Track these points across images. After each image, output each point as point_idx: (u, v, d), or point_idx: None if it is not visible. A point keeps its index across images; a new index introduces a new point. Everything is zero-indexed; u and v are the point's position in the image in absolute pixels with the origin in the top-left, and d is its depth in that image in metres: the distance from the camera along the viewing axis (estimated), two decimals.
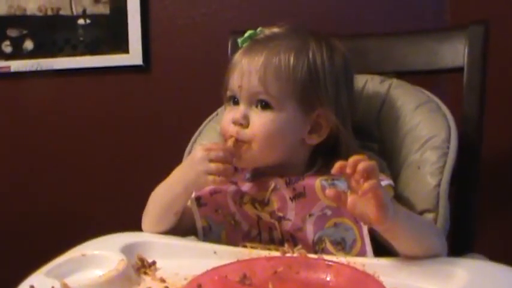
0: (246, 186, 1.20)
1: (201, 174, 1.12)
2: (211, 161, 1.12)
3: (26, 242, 2.26)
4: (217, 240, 1.20)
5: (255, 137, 1.14)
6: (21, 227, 2.28)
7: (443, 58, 1.39)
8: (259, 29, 1.22)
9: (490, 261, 1.07)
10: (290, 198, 1.15)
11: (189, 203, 1.22)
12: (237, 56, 1.20)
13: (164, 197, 1.21)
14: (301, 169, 1.19)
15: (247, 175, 1.23)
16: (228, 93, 1.20)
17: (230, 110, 1.19)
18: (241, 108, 1.16)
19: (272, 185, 1.17)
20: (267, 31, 1.22)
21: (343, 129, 1.17)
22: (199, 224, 1.23)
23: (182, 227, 1.23)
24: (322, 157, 1.20)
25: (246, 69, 1.15)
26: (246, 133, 1.14)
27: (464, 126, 1.32)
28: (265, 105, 1.14)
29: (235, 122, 1.15)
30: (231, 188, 1.20)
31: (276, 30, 1.21)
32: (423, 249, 1.02)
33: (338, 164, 0.93)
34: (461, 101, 1.35)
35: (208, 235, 1.22)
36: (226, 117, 1.18)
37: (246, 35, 1.22)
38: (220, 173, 1.11)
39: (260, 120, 1.14)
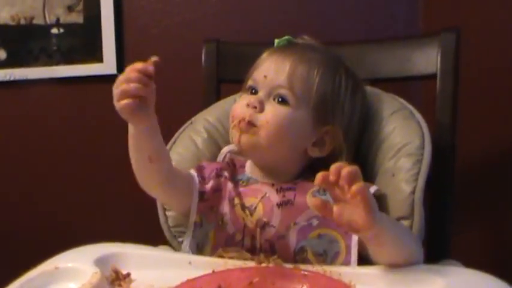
0: (239, 190, 1.21)
1: (116, 105, 1.05)
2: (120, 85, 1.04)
3: (15, 248, 2.23)
4: (204, 238, 1.21)
5: (265, 124, 1.15)
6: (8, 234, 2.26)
7: (416, 65, 1.40)
8: (291, 37, 1.27)
9: (465, 268, 1.08)
10: (277, 204, 1.17)
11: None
12: (269, 52, 1.24)
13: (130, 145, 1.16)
14: (291, 178, 1.21)
15: (243, 178, 1.24)
16: (249, 82, 1.22)
17: (244, 97, 1.21)
18: (259, 95, 1.18)
19: (262, 194, 1.19)
20: (307, 39, 1.28)
21: (346, 153, 1.20)
22: (193, 218, 1.22)
23: (178, 190, 1.21)
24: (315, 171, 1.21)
25: (278, 63, 1.19)
26: (258, 117, 1.16)
27: (438, 133, 1.33)
28: (282, 100, 1.16)
29: (249, 105, 1.16)
30: (230, 187, 1.22)
31: (316, 43, 1.28)
32: (404, 256, 1.02)
33: (320, 175, 0.92)
34: (435, 107, 1.35)
35: (197, 232, 1.22)
36: (240, 103, 1.20)
37: (285, 37, 1.26)
38: (126, 94, 1.03)
39: (274, 111, 1.16)
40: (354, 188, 0.89)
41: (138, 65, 1.03)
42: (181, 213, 1.27)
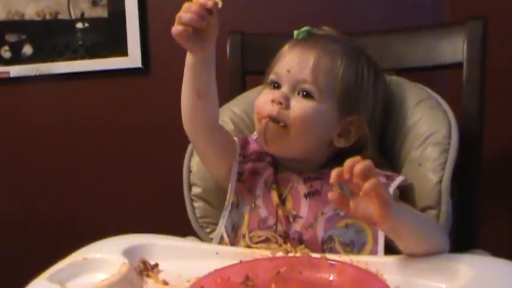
0: (278, 176, 1.22)
1: (174, 27, 1.09)
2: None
3: (28, 247, 2.26)
4: (240, 219, 1.22)
5: (294, 121, 1.15)
6: (22, 232, 2.28)
7: (443, 54, 1.39)
8: (312, 28, 1.26)
9: (493, 257, 1.07)
10: (305, 194, 1.18)
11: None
12: (291, 45, 1.23)
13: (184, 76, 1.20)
14: (318, 168, 1.22)
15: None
16: (272, 76, 1.22)
17: (268, 92, 1.21)
18: (284, 90, 1.18)
19: (290, 184, 1.20)
20: (328, 30, 1.28)
21: (371, 141, 1.21)
22: (231, 198, 1.24)
23: (220, 143, 1.24)
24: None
25: (300, 57, 1.19)
26: (286, 114, 1.16)
27: (465, 122, 1.32)
28: (306, 94, 1.17)
29: (275, 100, 1.16)
30: (268, 171, 1.23)
31: (336, 33, 1.27)
32: (428, 246, 1.02)
33: (334, 172, 0.92)
34: (461, 96, 1.34)
35: (233, 212, 1.23)
36: (264, 98, 1.20)
37: (304, 29, 1.24)
38: (181, 21, 1.07)
39: (301, 106, 1.16)
40: (366, 185, 0.89)
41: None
42: (215, 175, 1.28)
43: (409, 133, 1.24)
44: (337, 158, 1.19)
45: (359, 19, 1.89)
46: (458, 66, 1.36)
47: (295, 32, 1.25)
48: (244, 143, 1.28)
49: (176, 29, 1.07)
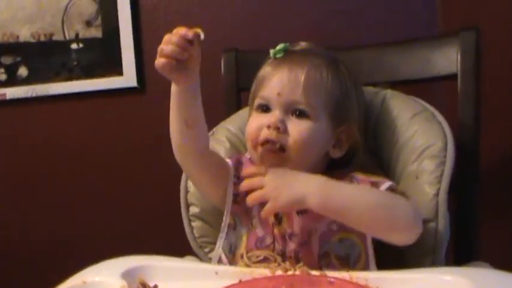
0: None
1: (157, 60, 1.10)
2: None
3: (26, 270, 2.25)
4: (238, 240, 1.22)
5: (294, 144, 1.15)
6: (20, 255, 2.27)
7: (437, 66, 1.40)
8: (287, 44, 1.24)
9: (494, 269, 1.07)
10: (296, 212, 1.17)
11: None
12: (273, 66, 1.21)
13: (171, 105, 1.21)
14: None
15: None
16: (260, 101, 1.21)
17: (259, 116, 1.20)
18: (277, 113, 1.17)
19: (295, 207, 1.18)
20: (302, 44, 1.26)
21: (363, 146, 1.22)
22: (227, 220, 1.24)
23: (213, 168, 1.24)
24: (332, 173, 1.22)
25: (289, 77, 1.18)
26: (285, 139, 1.15)
27: (461, 133, 1.32)
28: (300, 114, 1.16)
29: (271, 126, 1.15)
30: None
31: (310, 46, 1.26)
32: (385, 222, 1.06)
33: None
34: (457, 108, 1.34)
35: (230, 234, 1.23)
36: (255, 123, 1.19)
37: (280, 47, 1.23)
38: (163, 53, 1.08)
39: (298, 128, 1.16)
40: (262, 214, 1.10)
41: (181, 29, 1.08)
42: (210, 199, 1.28)
43: (405, 147, 1.24)
44: (330, 167, 1.21)
45: (352, 31, 1.90)
46: (452, 77, 1.36)
47: (272, 51, 1.23)
48: (238, 163, 1.27)
49: (159, 61, 1.09)
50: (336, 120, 1.19)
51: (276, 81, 1.19)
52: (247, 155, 1.30)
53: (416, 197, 1.15)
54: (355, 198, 1.08)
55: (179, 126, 1.18)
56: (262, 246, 1.18)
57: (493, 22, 1.61)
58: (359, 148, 1.22)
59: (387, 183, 1.15)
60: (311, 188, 1.07)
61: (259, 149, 1.16)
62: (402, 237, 1.07)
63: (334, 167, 1.23)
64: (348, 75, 1.23)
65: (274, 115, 1.16)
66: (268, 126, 1.15)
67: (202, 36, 1.08)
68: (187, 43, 1.07)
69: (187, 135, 1.18)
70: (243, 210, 1.23)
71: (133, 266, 1.13)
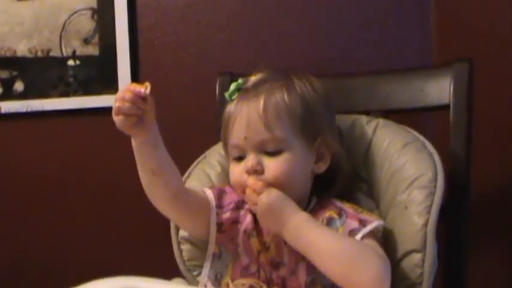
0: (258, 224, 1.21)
1: (114, 117, 1.11)
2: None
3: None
4: (223, 269, 1.22)
5: (276, 180, 1.15)
6: (13, 272, 2.25)
7: (429, 96, 1.40)
8: (240, 80, 1.23)
9: None
10: (285, 242, 1.16)
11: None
12: (232, 109, 1.21)
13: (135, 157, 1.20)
14: (303, 205, 1.20)
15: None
16: (233, 151, 1.21)
17: (237, 165, 1.20)
18: (252, 156, 1.17)
19: (272, 232, 1.18)
20: (252, 79, 1.24)
21: (342, 152, 1.23)
22: (212, 249, 1.23)
23: (191, 208, 1.23)
24: (316, 194, 1.23)
25: (248, 119, 1.17)
26: (267, 177, 1.15)
27: (452, 164, 1.33)
28: (272, 152, 1.16)
29: (249, 171, 1.16)
30: (249, 219, 1.22)
31: (259, 76, 1.24)
32: (351, 274, 1.05)
33: None
34: (448, 138, 1.35)
35: (216, 263, 1.23)
36: (236, 171, 1.20)
37: (232, 88, 1.23)
38: (120, 111, 1.09)
39: (275, 164, 1.16)
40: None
41: (132, 86, 1.09)
42: (196, 235, 1.28)
43: (395, 176, 1.24)
44: (317, 184, 1.23)
45: (346, 59, 1.91)
46: (445, 108, 1.37)
47: (227, 95, 1.24)
48: (221, 193, 1.26)
49: (118, 119, 1.10)
50: (309, 137, 1.19)
51: (239, 124, 1.19)
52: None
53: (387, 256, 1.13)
54: (320, 243, 1.09)
55: (146, 176, 1.18)
56: (248, 275, 1.18)
57: (488, 53, 1.62)
58: (341, 157, 1.23)
59: (374, 223, 1.15)
60: (289, 224, 1.10)
61: (250, 197, 1.16)
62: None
63: (321, 184, 1.23)
64: (303, 87, 1.21)
65: (250, 159, 1.17)
66: (247, 172, 1.16)
67: (148, 90, 1.09)
68: (141, 99, 1.08)
69: (157, 183, 1.18)
70: (228, 238, 1.22)
71: (121, 286, 1.13)
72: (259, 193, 1.12)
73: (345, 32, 1.95)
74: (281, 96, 1.18)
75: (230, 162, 1.23)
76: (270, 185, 1.14)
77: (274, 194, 1.12)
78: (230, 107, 1.22)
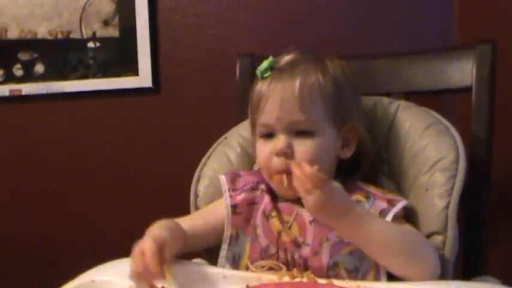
0: (277, 203, 1.21)
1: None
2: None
3: (29, 266, 2.27)
4: (241, 251, 1.21)
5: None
6: (26, 253, 2.29)
7: (452, 78, 1.39)
8: (271, 58, 1.21)
9: (503, 286, 1.07)
10: (309, 221, 1.16)
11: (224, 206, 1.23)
12: (265, 88, 1.19)
13: None
14: None
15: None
16: (261, 129, 1.19)
17: (265, 144, 1.19)
18: (282, 138, 1.16)
19: (295, 211, 1.18)
20: (285, 58, 1.22)
21: (368, 137, 1.22)
22: (228, 232, 1.23)
23: (206, 239, 1.24)
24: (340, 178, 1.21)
25: (282, 100, 1.16)
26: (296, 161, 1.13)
27: (474, 146, 1.32)
28: (304, 134, 1.15)
29: (279, 153, 1.15)
30: (267, 199, 1.21)
31: (292, 56, 1.22)
32: (405, 263, 1.06)
33: None
34: (470, 120, 1.34)
35: (233, 245, 1.23)
36: (264, 152, 1.18)
37: (265, 65, 1.20)
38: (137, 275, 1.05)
39: (305, 148, 1.15)
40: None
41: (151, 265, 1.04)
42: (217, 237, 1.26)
43: (416, 158, 1.23)
44: (340, 169, 1.21)
45: (368, 41, 1.90)
46: (467, 90, 1.36)
47: (258, 71, 1.20)
48: (235, 177, 1.26)
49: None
50: (338, 122, 1.18)
51: (272, 104, 1.17)
52: (256, 167, 1.30)
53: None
54: (380, 236, 1.07)
55: None
56: (267, 256, 1.18)
57: (511, 34, 1.61)
58: (366, 142, 1.22)
59: (403, 202, 1.15)
60: (348, 217, 1.06)
61: (276, 177, 1.16)
62: (420, 277, 1.06)
63: (344, 168, 1.22)
64: (335, 69, 1.20)
65: (280, 140, 1.15)
66: (277, 154, 1.15)
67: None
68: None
69: None
70: (244, 219, 1.22)
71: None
72: (316, 185, 1.03)
73: (366, 12, 1.94)
74: (316, 79, 1.17)
75: (257, 140, 1.22)
76: None
77: (336, 186, 1.07)
78: (262, 86, 1.20)
